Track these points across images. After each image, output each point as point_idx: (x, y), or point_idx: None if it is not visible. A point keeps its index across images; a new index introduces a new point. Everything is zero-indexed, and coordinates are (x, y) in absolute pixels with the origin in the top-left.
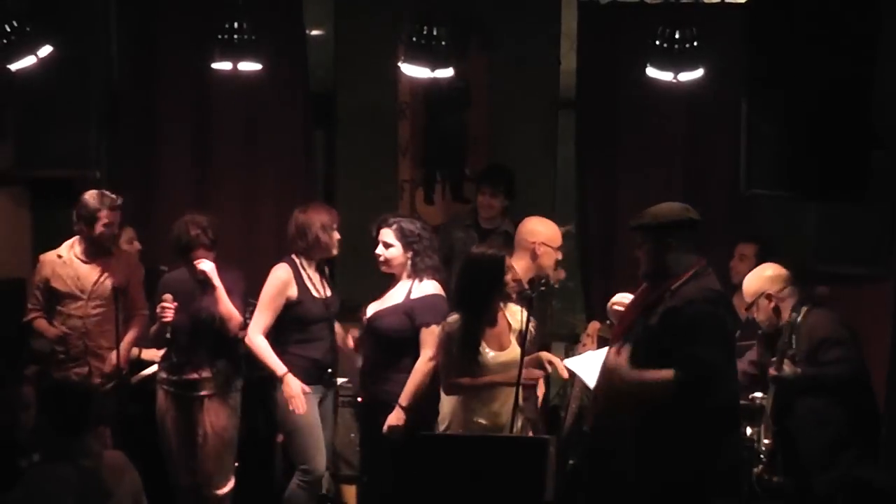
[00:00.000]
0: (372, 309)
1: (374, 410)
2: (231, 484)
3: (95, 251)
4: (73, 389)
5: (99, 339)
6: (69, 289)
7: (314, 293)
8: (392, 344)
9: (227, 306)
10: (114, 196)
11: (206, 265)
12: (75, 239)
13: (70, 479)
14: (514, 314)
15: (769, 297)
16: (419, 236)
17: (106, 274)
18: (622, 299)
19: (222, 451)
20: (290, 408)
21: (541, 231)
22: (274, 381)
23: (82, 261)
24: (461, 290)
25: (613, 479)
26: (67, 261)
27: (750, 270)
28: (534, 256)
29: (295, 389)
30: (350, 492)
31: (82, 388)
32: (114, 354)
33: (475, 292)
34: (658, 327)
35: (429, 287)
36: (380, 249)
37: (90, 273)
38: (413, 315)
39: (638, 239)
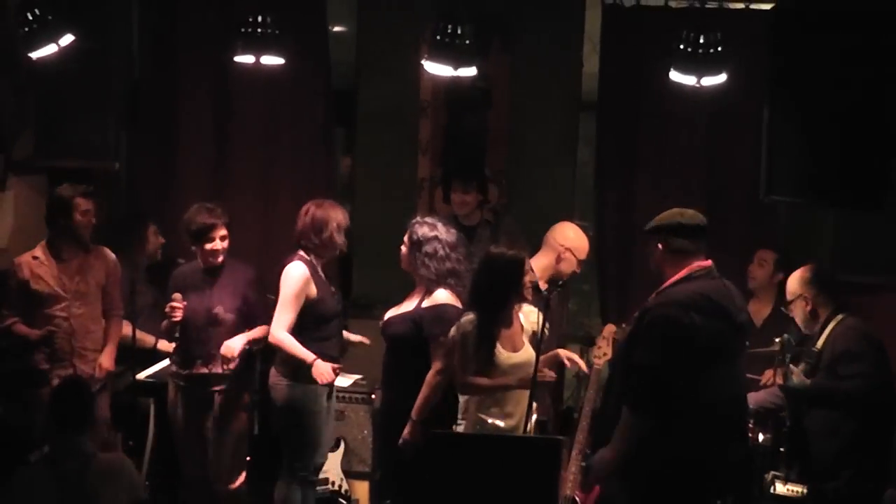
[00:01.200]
0: (388, 314)
1: (386, 412)
2: (241, 479)
3: (74, 248)
4: (62, 389)
5: (84, 340)
6: (51, 289)
7: (331, 290)
8: (400, 350)
9: (259, 336)
10: (85, 185)
11: (232, 347)
12: (46, 239)
13: (49, 480)
14: (529, 315)
15: (805, 299)
16: (419, 242)
17: (86, 272)
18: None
19: (233, 447)
20: (322, 381)
21: (572, 238)
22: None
23: (60, 259)
24: (478, 289)
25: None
26: (45, 261)
27: (767, 276)
28: (558, 259)
29: (325, 370)
30: (362, 488)
31: (72, 388)
32: (103, 358)
33: (492, 292)
34: (632, 330)
35: (440, 296)
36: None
37: (70, 272)
38: (420, 324)
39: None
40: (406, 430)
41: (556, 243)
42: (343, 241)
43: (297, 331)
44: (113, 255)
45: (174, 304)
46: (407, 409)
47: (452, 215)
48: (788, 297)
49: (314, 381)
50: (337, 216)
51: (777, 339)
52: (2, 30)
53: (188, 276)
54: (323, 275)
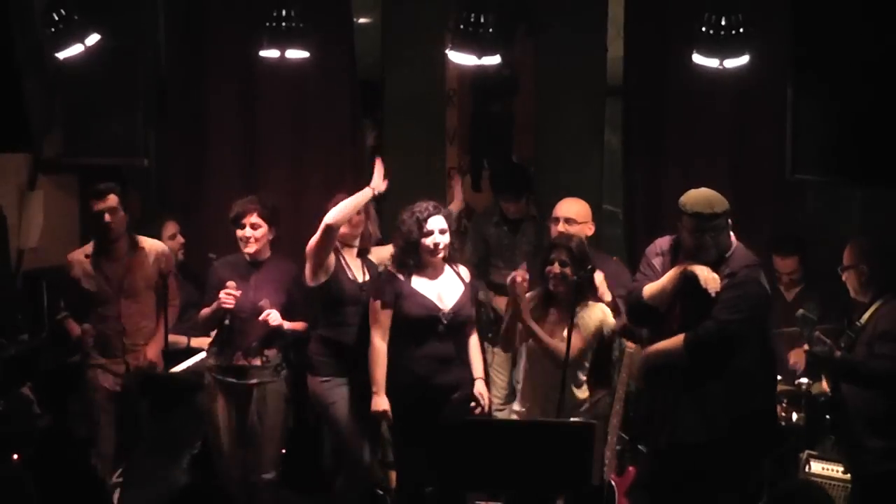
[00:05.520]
0: (438, 302)
1: (444, 398)
2: (277, 471)
3: (120, 245)
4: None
5: (135, 337)
6: (101, 289)
7: (349, 274)
8: (466, 331)
9: (298, 329)
10: (104, 185)
11: (273, 317)
12: (94, 238)
13: None
14: (589, 315)
15: (861, 270)
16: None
17: (136, 269)
18: None
19: (269, 439)
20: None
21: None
22: (310, 371)
23: (109, 258)
24: None
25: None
26: (96, 258)
27: (791, 281)
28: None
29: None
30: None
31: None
32: (148, 348)
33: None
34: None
35: (466, 270)
36: (437, 237)
37: (119, 270)
38: (473, 297)
39: (702, 225)
40: (484, 394)
41: None
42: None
43: (318, 313)
44: (163, 247)
45: (229, 290)
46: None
47: (496, 207)
48: (845, 263)
49: (332, 374)
50: (338, 199)
51: (797, 314)
52: (29, 30)
53: (233, 268)
54: (349, 261)
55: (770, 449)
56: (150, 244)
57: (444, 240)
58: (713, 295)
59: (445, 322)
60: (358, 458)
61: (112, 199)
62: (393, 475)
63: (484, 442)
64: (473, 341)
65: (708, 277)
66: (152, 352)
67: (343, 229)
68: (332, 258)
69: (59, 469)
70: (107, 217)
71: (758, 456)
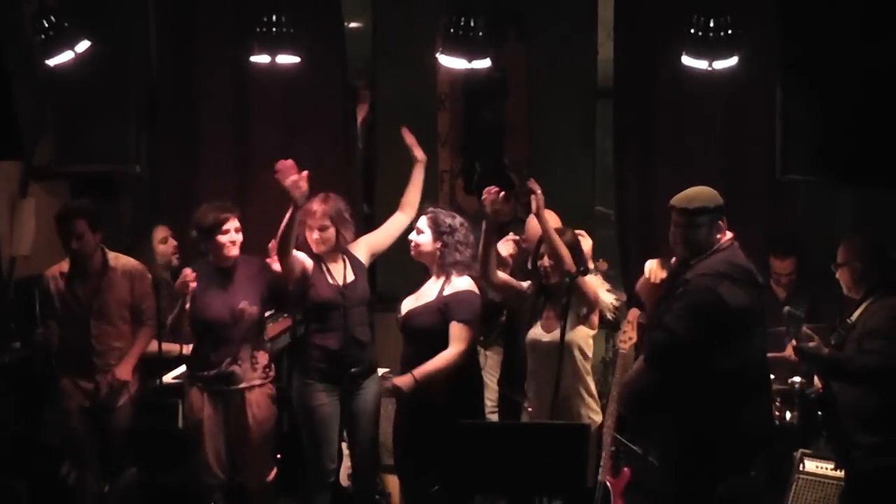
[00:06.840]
0: (406, 306)
1: (411, 405)
2: (272, 474)
3: (90, 266)
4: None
5: (107, 357)
6: (69, 308)
7: (328, 279)
8: (426, 342)
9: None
10: (74, 206)
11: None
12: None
13: None
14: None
15: (853, 268)
16: (451, 229)
17: (108, 289)
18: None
19: (264, 442)
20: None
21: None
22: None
23: (81, 278)
24: None
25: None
26: (68, 278)
27: (790, 282)
28: None
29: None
30: (394, 481)
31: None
32: (119, 367)
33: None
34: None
35: (462, 283)
36: (412, 235)
37: (90, 290)
38: (446, 312)
39: (676, 219)
40: (402, 379)
41: None
42: (308, 238)
43: (304, 320)
44: (138, 265)
45: (185, 279)
46: (432, 400)
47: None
48: (839, 260)
49: (317, 378)
50: (307, 209)
51: (784, 311)
52: (19, 37)
53: (203, 276)
54: (329, 266)
55: (754, 455)
56: (122, 264)
57: (417, 239)
58: (655, 281)
59: (400, 327)
60: (325, 465)
61: (80, 225)
62: (388, 479)
63: (478, 444)
64: (444, 352)
65: (652, 270)
66: (123, 371)
67: (319, 248)
68: (308, 265)
69: (30, 477)
70: (74, 244)
71: (740, 463)
